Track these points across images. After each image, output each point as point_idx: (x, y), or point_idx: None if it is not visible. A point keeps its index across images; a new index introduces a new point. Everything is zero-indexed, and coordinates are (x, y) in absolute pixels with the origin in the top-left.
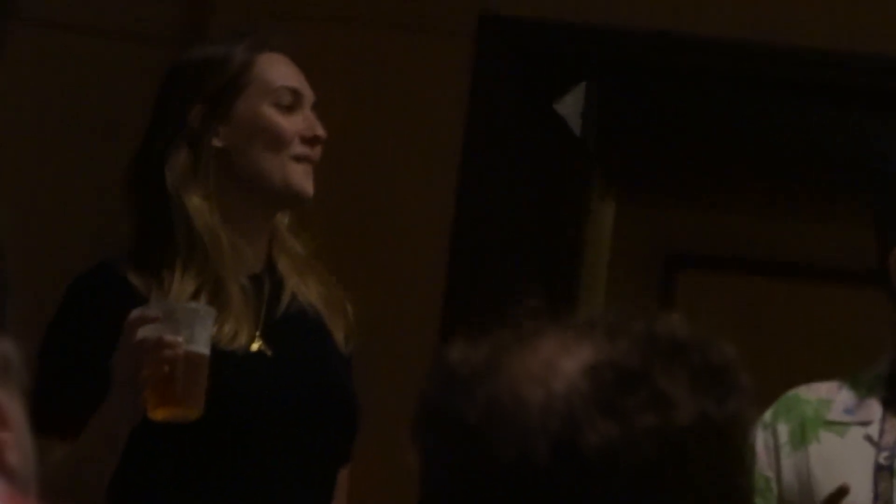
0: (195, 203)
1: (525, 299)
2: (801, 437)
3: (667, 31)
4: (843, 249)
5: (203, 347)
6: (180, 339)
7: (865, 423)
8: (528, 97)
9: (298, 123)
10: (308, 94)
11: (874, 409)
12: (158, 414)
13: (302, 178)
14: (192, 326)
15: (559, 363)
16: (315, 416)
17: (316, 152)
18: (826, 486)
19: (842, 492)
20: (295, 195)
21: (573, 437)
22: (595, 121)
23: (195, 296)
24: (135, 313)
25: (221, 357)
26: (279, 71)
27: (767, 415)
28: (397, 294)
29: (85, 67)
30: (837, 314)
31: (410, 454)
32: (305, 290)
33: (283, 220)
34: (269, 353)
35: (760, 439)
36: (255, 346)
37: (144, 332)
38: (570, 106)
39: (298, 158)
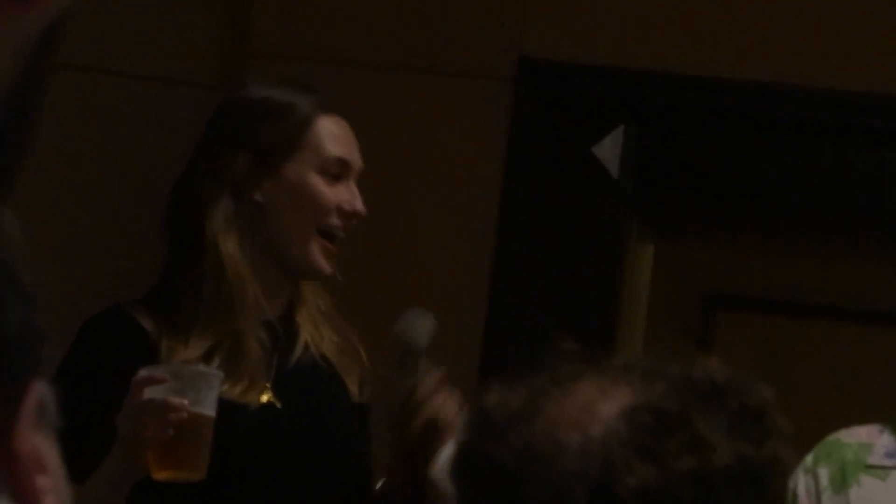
0: (230, 253)
1: (561, 343)
2: (841, 481)
3: (703, 74)
4: (881, 291)
5: (209, 410)
6: (186, 401)
7: None
8: (565, 140)
9: (341, 195)
10: (356, 165)
11: None
12: (161, 475)
13: (320, 257)
14: (198, 389)
15: (596, 407)
16: (322, 468)
17: (348, 225)
18: None
19: None
20: (312, 271)
21: (610, 481)
22: (632, 163)
23: (214, 348)
24: (142, 373)
25: (231, 409)
26: (334, 139)
27: (808, 459)
28: (435, 340)
29: (121, 111)
30: (875, 356)
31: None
32: (320, 340)
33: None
34: (278, 405)
35: (802, 483)
36: (265, 398)
37: (151, 393)
38: (608, 149)
39: (326, 232)
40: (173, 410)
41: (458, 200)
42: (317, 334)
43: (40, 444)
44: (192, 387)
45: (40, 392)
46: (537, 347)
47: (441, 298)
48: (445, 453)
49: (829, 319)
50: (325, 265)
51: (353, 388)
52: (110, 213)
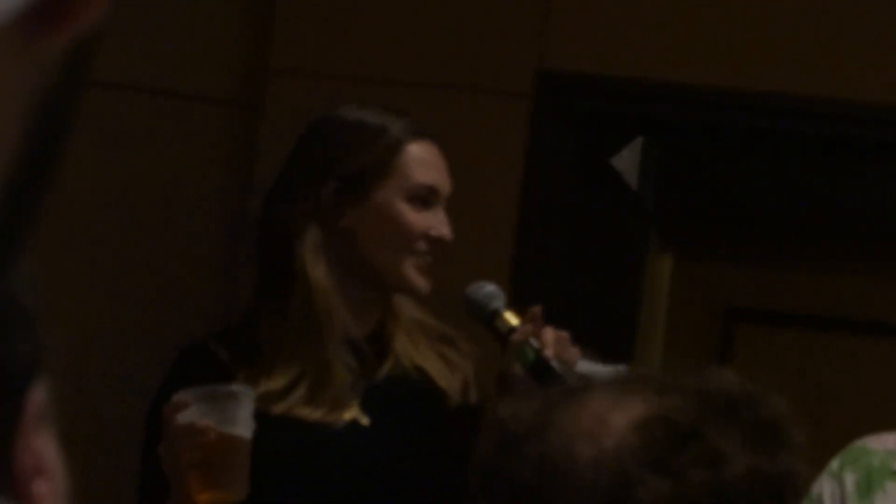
0: (319, 280)
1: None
2: (867, 488)
3: (724, 87)
4: None
5: (241, 429)
6: (211, 423)
7: None
8: (584, 153)
9: (428, 221)
10: (444, 191)
11: None
12: (202, 498)
13: (417, 276)
14: (225, 408)
15: (609, 418)
16: (407, 484)
17: (436, 251)
18: None
19: None
20: (410, 290)
21: (624, 494)
22: (652, 176)
23: (300, 376)
24: (172, 400)
25: (315, 429)
26: (422, 166)
27: (834, 464)
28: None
29: (140, 127)
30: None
31: None
32: (413, 351)
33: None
34: (364, 422)
35: (827, 489)
36: (349, 416)
37: (179, 419)
38: (627, 161)
39: (415, 254)
40: (200, 433)
41: (476, 216)
42: (410, 345)
43: (41, 446)
44: (220, 408)
45: (40, 396)
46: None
47: (461, 313)
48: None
49: (852, 333)
50: (422, 284)
51: (455, 394)
52: (131, 227)
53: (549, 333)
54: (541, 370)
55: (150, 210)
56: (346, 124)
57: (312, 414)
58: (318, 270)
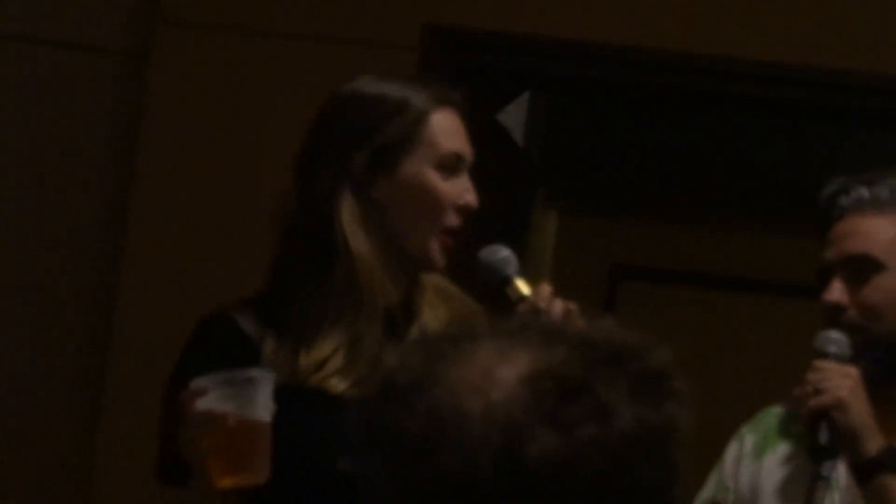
0: (362, 250)
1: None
2: (762, 448)
3: (611, 43)
4: (786, 262)
5: (260, 413)
6: (230, 407)
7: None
8: (471, 108)
9: (457, 188)
10: (469, 157)
11: None
12: (223, 483)
13: (439, 253)
14: (244, 393)
15: (497, 371)
16: None
17: (464, 219)
18: (768, 495)
19: None
20: (428, 263)
21: (515, 448)
22: (539, 132)
23: (336, 349)
24: (191, 386)
25: (339, 407)
26: (450, 133)
27: (743, 427)
28: None
29: (28, 77)
30: (779, 327)
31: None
32: (438, 323)
33: None
34: None
35: (731, 450)
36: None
37: (198, 406)
38: (513, 117)
39: (446, 231)
40: (219, 419)
41: None
42: (434, 316)
43: None
44: (238, 393)
45: None
46: None
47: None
48: None
49: (736, 289)
50: (440, 260)
51: None
52: (19, 175)
53: (558, 306)
54: None
55: (38, 158)
56: (369, 96)
57: (339, 385)
58: (359, 241)
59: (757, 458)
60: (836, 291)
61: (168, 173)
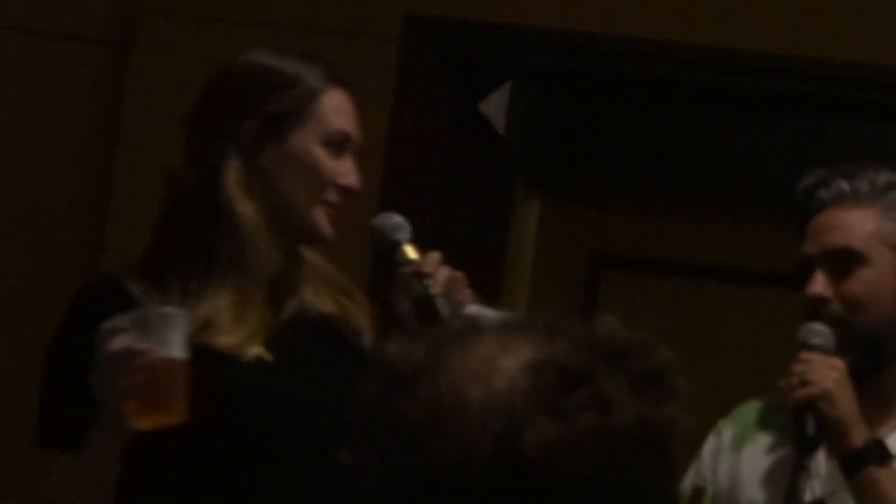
0: (247, 216)
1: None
2: (740, 441)
3: (594, 33)
4: (766, 252)
5: (177, 351)
6: (151, 345)
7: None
8: (453, 98)
9: (341, 168)
10: (357, 139)
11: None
12: (143, 423)
13: (324, 222)
14: (163, 331)
15: (500, 361)
16: (312, 421)
17: (342, 199)
18: (747, 486)
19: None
20: (315, 236)
21: (514, 435)
22: (520, 121)
23: (219, 312)
24: (105, 326)
25: (225, 362)
26: (340, 112)
27: (721, 421)
28: None
29: (9, 65)
30: (760, 317)
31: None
32: (316, 298)
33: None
34: (271, 359)
35: (708, 443)
36: (257, 352)
37: (115, 344)
38: (496, 107)
39: (326, 203)
40: (139, 356)
41: None
42: (312, 291)
43: None
44: (155, 330)
45: None
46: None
47: (326, 257)
48: (473, 307)
49: (716, 279)
50: (328, 230)
51: (367, 339)
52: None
53: (444, 272)
54: (427, 307)
55: (20, 147)
56: (264, 67)
57: (223, 344)
58: (245, 207)
59: (735, 451)
60: (820, 284)
61: (150, 162)
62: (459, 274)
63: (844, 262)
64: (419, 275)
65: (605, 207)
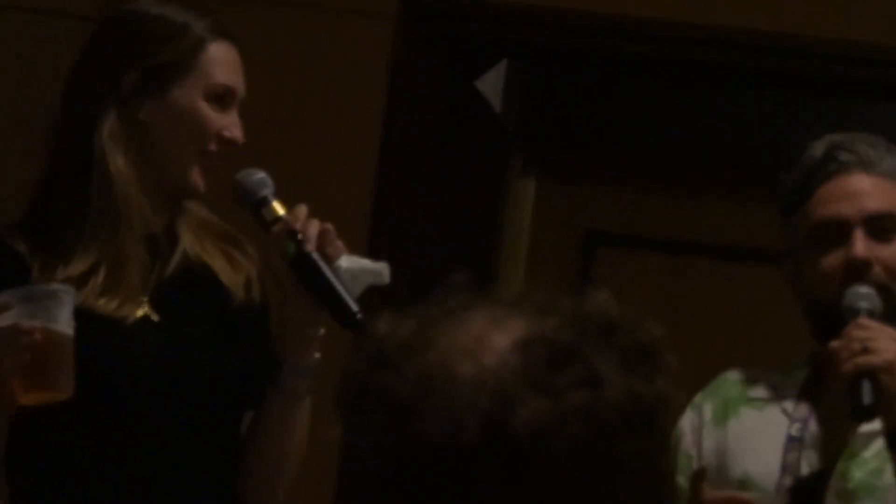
0: (119, 169)
1: (450, 274)
2: (723, 415)
3: (588, 10)
4: (762, 229)
5: (64, 327)
6: (37, 323)
7: (784, 399)
8: (448, 76)
9: (224, 121)
10: (241, 93)
11: (796, 387)
12: (28, 399)
13: (199, 176)
14: (48, 307)
15: (489, 338)
16: (198, 378)
17: (224, 151)
18: (739, 459)
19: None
20: (188, 189)
21: (504, 413)
22: (515, 99)
23: (96, 266)
24: None
25: (108, 324)
26: (224, 65)
27: (697, 397)
28: None
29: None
30: (755, 294)
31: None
32: (200, 248)
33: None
34: (155, 318)
35: (688, 419)
36: (141, 312)
37: (1, 322)
38: (491, 84)
39: (206, 153)
40: (25, 334)
41: (340, 137)
42: (197, 243)
43: None
44: (43, 306)
45: None
46: (419, 281)
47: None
48: (344, 258)
49: (711, 257)
50: (201, 185)
51: (238, 291)
52: None
53: (314, 227)
54: (301, 263)
55: (7, 124)
56: (148, 17)
57: (106, 307)
58: (117, 160)
59: (719, 425)
60: (865, 247)
61: None
62: (329, 226)
63: (886, 228)
64: (290, 232)
65: (601, 185)
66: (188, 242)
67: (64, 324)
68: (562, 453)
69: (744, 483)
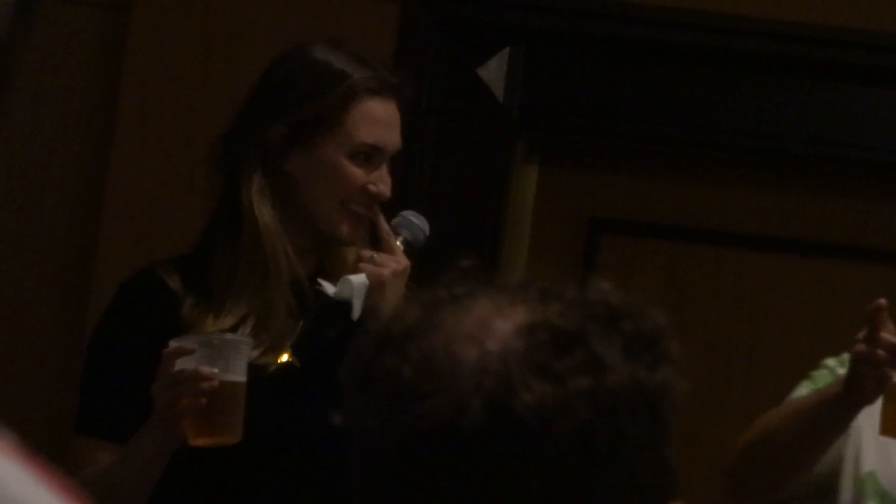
0: (266, 222)
1: (457, 260)
2: None
3: None
4: (767, 217)
5: (239, 376)
6: (216, 370)
7: None
8: (452, 62)
9: (371, 177)
10: (390, 149)
11: None
12: (198, 442)
13: (347, 227)
14: (227, 356)
15: (493, 323)
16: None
17: (373, 207)
18: (863, 425)
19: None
20: (337, 239)
21: (507, 396)
22: (519, 86)
23: (245, 317)
24: (172, 344)
25: (251, 371)
26: (373, 124)
27: (830, 360)
28: None
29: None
30: (759, 282)
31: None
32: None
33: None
34: (297, 364)
35: (822, 376)
36: (284, 358)
37: (182, 364)
38: (494, 71)
39: (349, 210)
40: (204, 380)
41: None
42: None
43: None
44: (222, 355)
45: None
46: (422, 268)
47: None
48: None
49: (716, 244)
50: (350, 236)
51: None
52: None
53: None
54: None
55: (19, 111)
56: (306, 66)
57: (253, 354)
58: (264, 212)
59: None
60: None
61: (149, 127)
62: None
63: None
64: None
65: (604, 172)
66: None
67: (240, 374)
68: (564, 438)
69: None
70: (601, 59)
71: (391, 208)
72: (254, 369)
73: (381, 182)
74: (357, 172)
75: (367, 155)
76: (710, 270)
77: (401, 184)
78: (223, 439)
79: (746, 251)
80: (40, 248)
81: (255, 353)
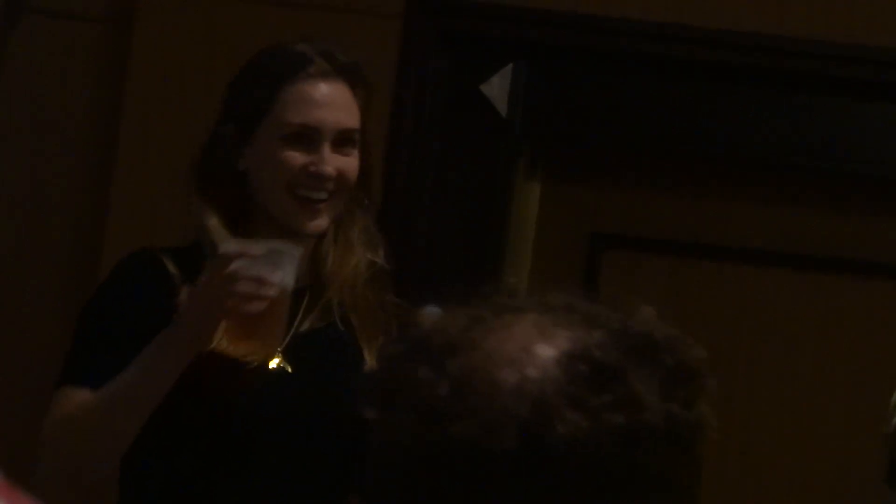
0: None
1: (456, 276)
2: None
3: (593, 12)
4: (769, 232)
5: (290, 286)
6: (276, 278)
7: None
8: (454, 78)
9: (306, 158)
10: (329, 127)
11: None
12: (240, 347)
13: (302, 217)
14: (284, 266)
15: (534, 348)
16: (324, 433)
17: (321, 186)
18: None
19: None
20: (293, 230)
21: (542, 424)
22: (522, 102)
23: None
24: (235, 246)
25: (242, 373)
26: (299, 104)
27: None
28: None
29: (13, 44)
30: (764, 297)
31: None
32: (349, 306)
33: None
34: (289, 369)
35: None
36: (275, 363)
37: (243, 265)
38: (497, 87)
39: (298, 196)
40: (267, 288)
41: None
42: (349, 298)
43: None
44: (280, 265)
45: None
46: (424, 283)
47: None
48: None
49: (718, 259)
50: (305, 225)
51: (371, 358)
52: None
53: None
54: None
55: (22, 127)
56: (246, 66)
57: (237, 351)
58: (213, 217)
59: None
60: None
61: (152, 142)
62: None
63: None
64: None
65: (607, 187)
66: (335, 296)
67: (290, 284)
68: (597, 472)
69: None
70: (604, 75)
71: (395, 213)
72: (245, 372)
73: (321, 162)
74: (293, 155)
75: (301, 135)
76: (712, 285)
77: (403, 200)
78: (264, 349)
79: (748, 266)
80: (45, 262)
81: (244, 351)
